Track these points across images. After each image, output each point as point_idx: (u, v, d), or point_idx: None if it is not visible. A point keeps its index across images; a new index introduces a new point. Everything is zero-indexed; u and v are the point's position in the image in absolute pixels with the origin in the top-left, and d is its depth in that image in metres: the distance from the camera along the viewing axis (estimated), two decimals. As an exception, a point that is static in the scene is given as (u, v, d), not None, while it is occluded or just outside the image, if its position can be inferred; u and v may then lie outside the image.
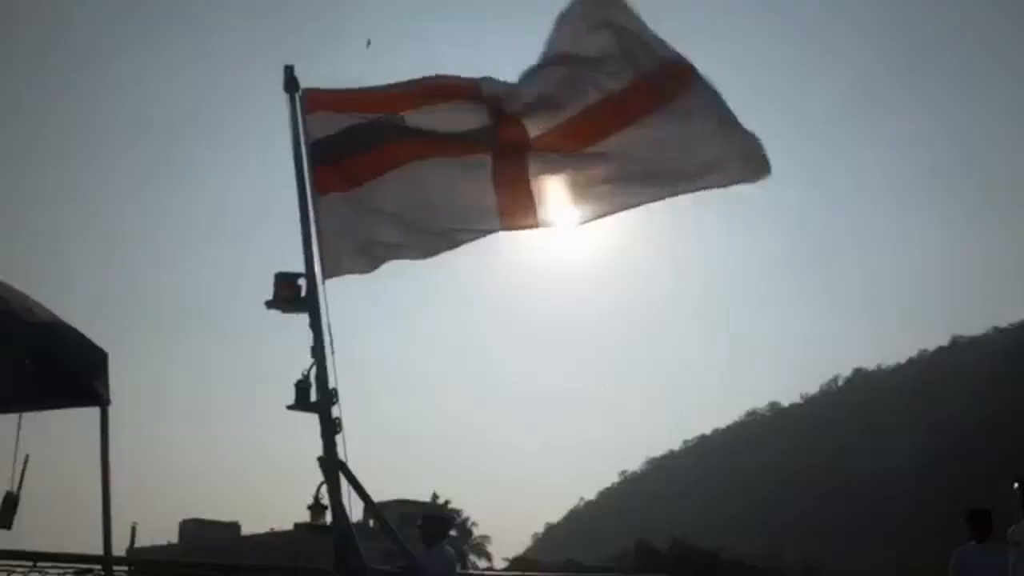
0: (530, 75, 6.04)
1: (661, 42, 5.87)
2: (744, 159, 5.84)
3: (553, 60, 6.01)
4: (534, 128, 6.08)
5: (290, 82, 6.17)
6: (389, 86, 6.19)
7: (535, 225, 6.10)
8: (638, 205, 6.05)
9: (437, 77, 6.16)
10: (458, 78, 6.14)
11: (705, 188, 5.93)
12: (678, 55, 5.88)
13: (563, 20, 5.98)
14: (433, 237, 6.25)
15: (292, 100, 6.16)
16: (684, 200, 6.05)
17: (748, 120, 5.83)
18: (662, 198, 6.02)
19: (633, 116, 5.94)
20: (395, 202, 6.21)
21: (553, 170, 6.06)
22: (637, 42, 5.88)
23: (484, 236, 6.19)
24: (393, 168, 6.16)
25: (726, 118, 5.85)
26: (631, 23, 5.88)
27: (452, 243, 6.24)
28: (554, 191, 6.08)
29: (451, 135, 6.13)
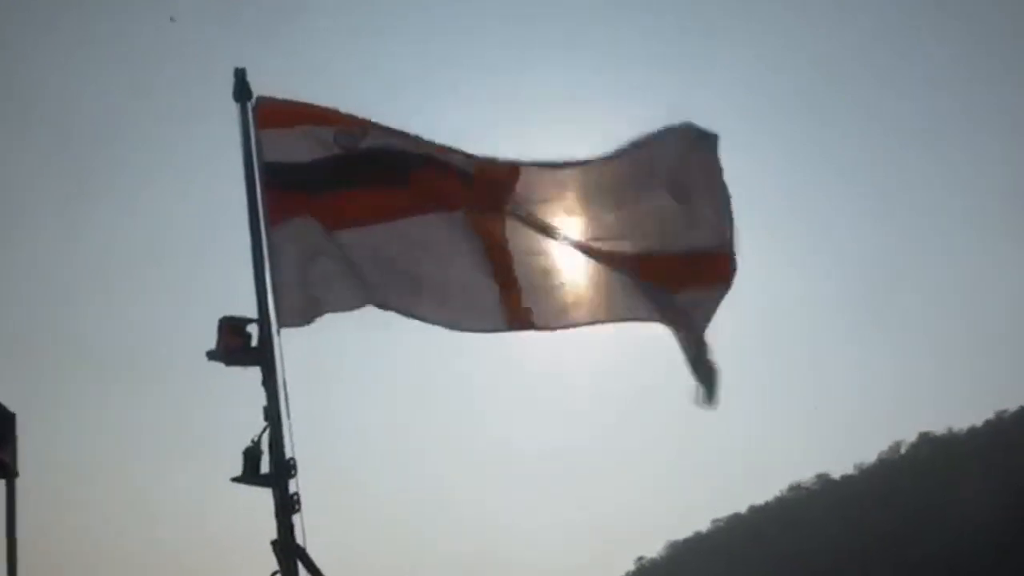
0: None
1: (728, 225, 6.25)
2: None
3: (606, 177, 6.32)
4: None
5: (241, 88, 6.21)
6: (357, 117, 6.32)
7: (533, 326, 6.41)
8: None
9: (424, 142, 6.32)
10: (447, 149, 6.30)
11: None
12: (731, 247, 6.26)
13: (642, 146, 6.27)
14: (424, 300, 6.40)
15: (243, 110, 6.21)
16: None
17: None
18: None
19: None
20: (373, 251, 6.33)
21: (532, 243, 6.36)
22: (705, 214, 6.29)
23: (489, 333, 6.48)
24: (369, 224, 6.31)
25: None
26: (714, 188, 6.25)
27: (450, 324, 6.43)
28: (540, 283, 6.39)
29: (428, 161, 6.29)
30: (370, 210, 6.32)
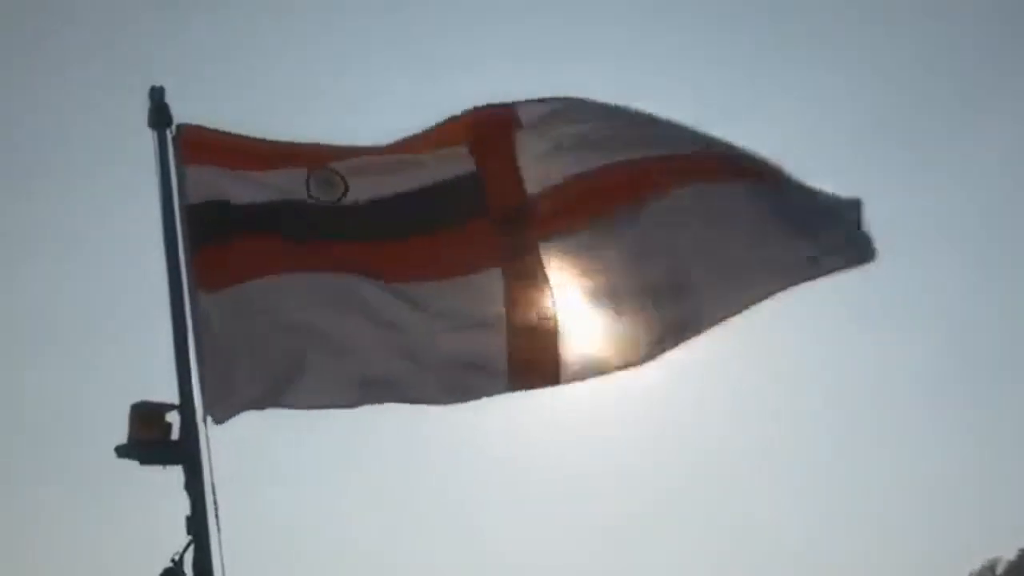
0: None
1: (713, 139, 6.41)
2: (835, 240, 6.29)
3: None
4: (532, 181, 6.28)
5: (159, 112, 6.18)
6: (305, 144, 6.35)
7: (555, 382, 6.33)
8: (699, 333, 6.32)
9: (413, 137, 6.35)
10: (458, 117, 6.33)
11: (788, 286, 6.29)
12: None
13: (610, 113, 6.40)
14: (405, 375, 6.33)
15: (162, 139, 6.17)
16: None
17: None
18: (730, 313, 6.31)
19: (663, 185, 6.33)
20: (331, 310, 6.28)
21: (576, 269, 6.30)
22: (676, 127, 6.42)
23: (481, 398, 6.38)
24: (327, 271, 6.28)
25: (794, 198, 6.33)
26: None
27: (437, 396, 6.37)
28: (587, 330, 6.33)
29: (423, 221, 6.31)
30: (314, 259, 6.27)
